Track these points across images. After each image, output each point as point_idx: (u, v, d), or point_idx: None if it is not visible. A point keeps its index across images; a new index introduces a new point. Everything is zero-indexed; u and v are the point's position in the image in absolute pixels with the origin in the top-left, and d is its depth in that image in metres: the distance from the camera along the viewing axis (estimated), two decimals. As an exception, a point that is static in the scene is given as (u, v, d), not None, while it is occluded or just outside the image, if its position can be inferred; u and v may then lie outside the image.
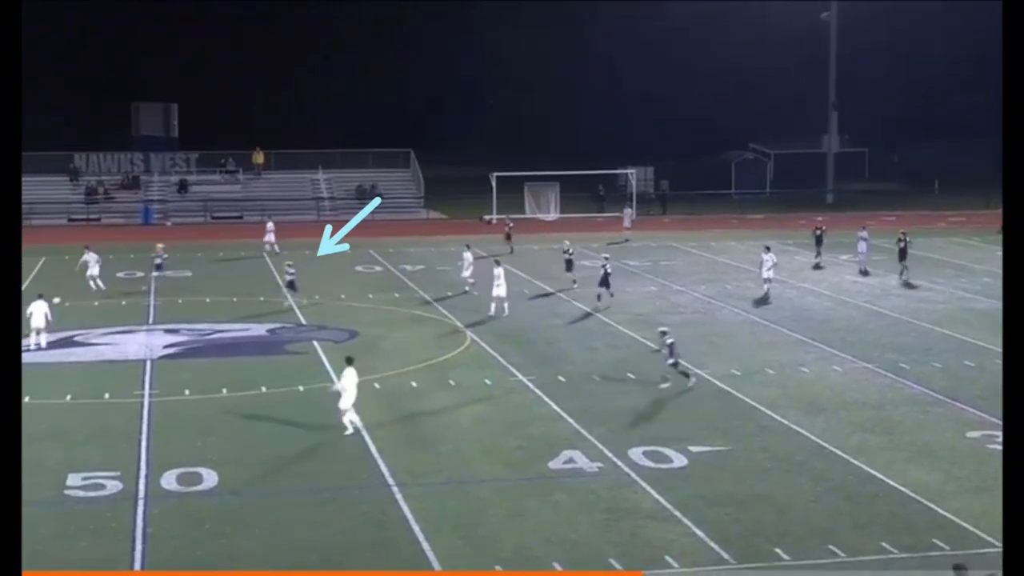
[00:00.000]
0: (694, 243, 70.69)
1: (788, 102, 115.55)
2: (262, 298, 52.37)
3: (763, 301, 50.50)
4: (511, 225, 69.00)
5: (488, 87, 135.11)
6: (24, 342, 40.07)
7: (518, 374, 38.29)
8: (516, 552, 23.82)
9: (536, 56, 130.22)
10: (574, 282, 53.72)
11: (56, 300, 43.18)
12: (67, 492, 27.44)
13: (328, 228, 73.43)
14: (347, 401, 31.35)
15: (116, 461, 29.35)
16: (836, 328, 45.73)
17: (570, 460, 29.58)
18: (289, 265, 52.05)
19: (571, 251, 55.23)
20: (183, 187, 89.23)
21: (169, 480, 28.09)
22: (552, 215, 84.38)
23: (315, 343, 43.30)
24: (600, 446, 30.52)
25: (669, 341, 36.16)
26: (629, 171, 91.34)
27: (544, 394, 35.79)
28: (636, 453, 29.91)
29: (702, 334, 44.70)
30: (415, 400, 35.47)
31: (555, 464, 29.31)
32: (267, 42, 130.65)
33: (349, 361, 32.10)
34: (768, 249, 52.80)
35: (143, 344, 43.37)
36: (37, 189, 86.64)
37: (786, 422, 32.83)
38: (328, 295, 52.41)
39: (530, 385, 36.92)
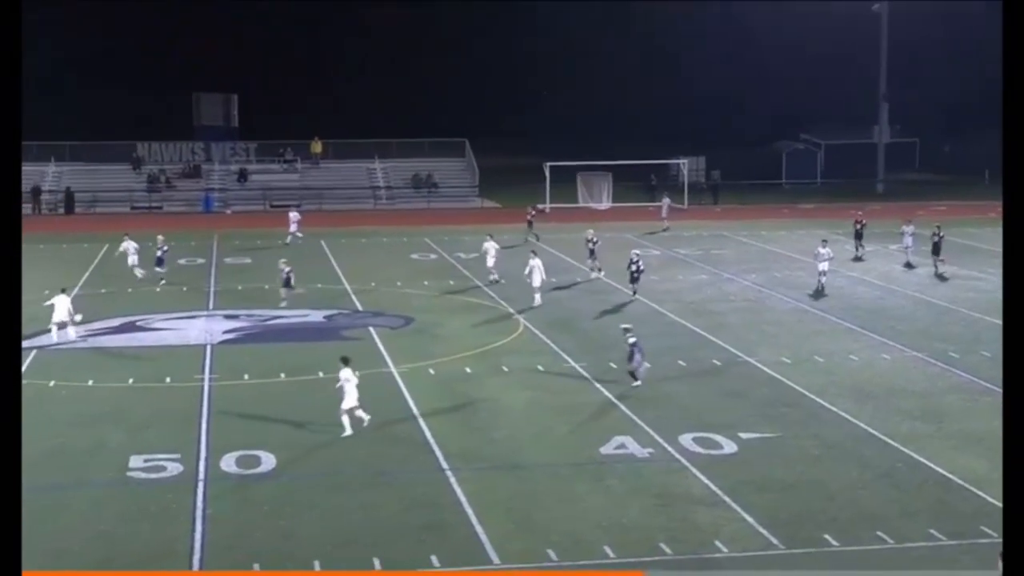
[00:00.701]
0: (745, 232, 70.41)
1: (839, 93, 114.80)
2: (320, 285, 52.51)
3: (819, 294, 49.73)
4: (533, 214, 68.36)
5: (543, 78, 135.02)
6: (49, 336, 40.37)
7: (570, 360, 38.27)
8: (567, 536, 23.82)
9: (590, 47, 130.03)
10: (594, 271, 53.57)
11: (78, 318, 42.45)
12: (129, 474, 27.66)
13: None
14: (350, 400, 30.25)
15: (177, 444, 29.56)
16: (885, 317, 45.47)
17: (621, 446, 29.57)
18: (284, 262, 48.74)
19: (595, 240, 54.67)
20: (243, 176, 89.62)
21: (228, 463, 28.25)
22: (604, 204, 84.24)
23: (371, 329, 43.44)
24: (651, 432, 30.49)
25: (632, 340, 35.05)
26: (681, 161, 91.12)
27: (595, 380, 35.77)
28: (686, 439, 29.86)
29: (752, 322, 44.59)
30: (469, 385, 35.52)
31: (606, 449, 29.31)
32: (325, 33, 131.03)
33: (345, 361, 30.97)
34: (825, 243, 52.19)
35: (203, 329, 43.65)
36: (101, 177, 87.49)
37: (835, 409, 32.68)
38: (384, 282, 52.54)
39: (582, 372, 36.90)
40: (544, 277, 47.62)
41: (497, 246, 53.20)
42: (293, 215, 67.43)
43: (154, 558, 22.84)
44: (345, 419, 30.06)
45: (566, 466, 28.31)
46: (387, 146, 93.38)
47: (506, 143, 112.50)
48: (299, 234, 65.94)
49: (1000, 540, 22.53)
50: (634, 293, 48.73)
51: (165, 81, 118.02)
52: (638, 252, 50.16)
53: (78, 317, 41.91)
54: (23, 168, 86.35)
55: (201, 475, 27.50)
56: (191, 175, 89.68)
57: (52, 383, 35.59)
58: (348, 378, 30.17)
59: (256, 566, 22.32)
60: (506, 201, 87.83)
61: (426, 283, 52.84)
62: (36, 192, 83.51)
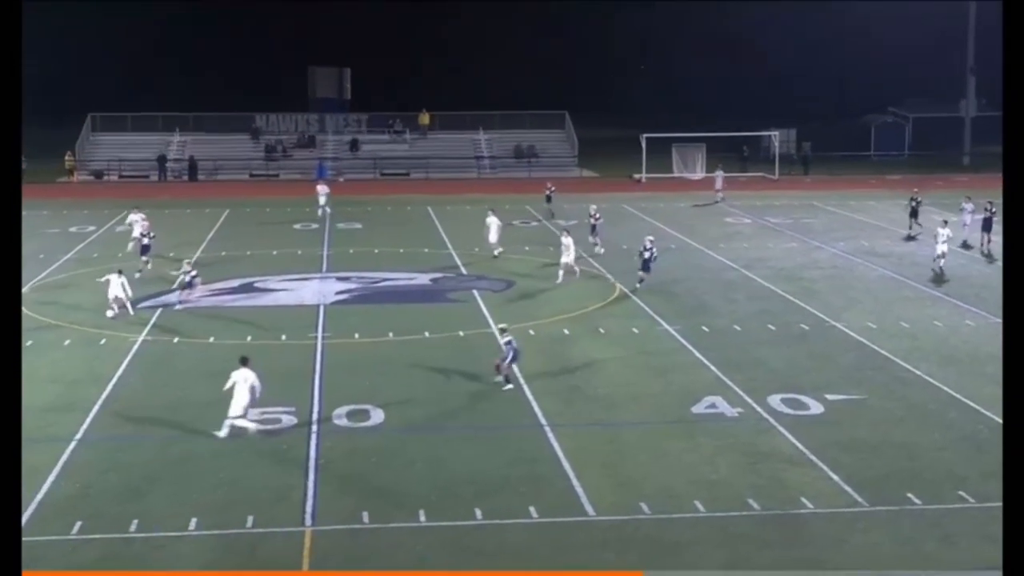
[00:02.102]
0: (834, 202, 69.60)
1: (927, 67, 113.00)
2: (426, 249, 52.76)
3: (939, 278, 46.11)
4: (552, 188, 65.14)
5: (641, 53, 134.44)
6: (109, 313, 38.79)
7: (664, 324, 38.13)
8: (660, 491, 23.79)
9: (686, 22, 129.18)
10: (595, 246, 51.01)
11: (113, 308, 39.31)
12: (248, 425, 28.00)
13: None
14: (237, 406, 26.95)
15: (292, 397, 29.83)
16: (970, 284, 44.78)
17: (712, 406, 29.46)
18: (188, 262, 43.12)
19: (598, 216, 52.54)
20: (355, 146, 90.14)
21: (340, 416, 28.52)
22: (698, 174, 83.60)
23: (475, 292, 43.54)
24: (741, 393, 30.34)
25: (506, 339, 31.52)
26: (772, 133, 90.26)
27: (688, 343, 35.63)
28: (775, 400, 29.68)
29: (839, 288, 44.13)
30: (567, 346, 35.52)
31: (698, 409, 29.22)
32: (433, 10, 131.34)
33: (243, 361, 27.59)
34: (946, 224, 49.65)
35: (317, 290, 44.01)
36: (222, 147, 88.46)
37: (919, 373, 32.29)
38: (487, 247, 52.58)
39: (675, 334, 36.76)
40: (573, 256, 45.26)
41: (499, 222, 51.34)
42: (321, 188, 63.89)
43: (270, 504, 23.13)
44: (242, 422, 27.01)
45: (659, 424, 28.27)
46: (491, 118, 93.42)
47: (604, 115, 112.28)
48: (327, 208, 62.45)
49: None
50: (640, 282, 43.14)
51: (282, 56, 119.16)
52: (651, 238, 44.94)
53: (112, 308, 39.06)
54: (151, 137, 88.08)
55: (314, 427, 27.78)
56: (306, 145, 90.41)
57: (176, 340, 36.11)
58: (245, 378, 27.03)
59: (365, 515, 22.53)
60: (604, 171, 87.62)
61: (527, 248, 52.81)
62: (162, 160, 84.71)
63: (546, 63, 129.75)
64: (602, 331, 37.27)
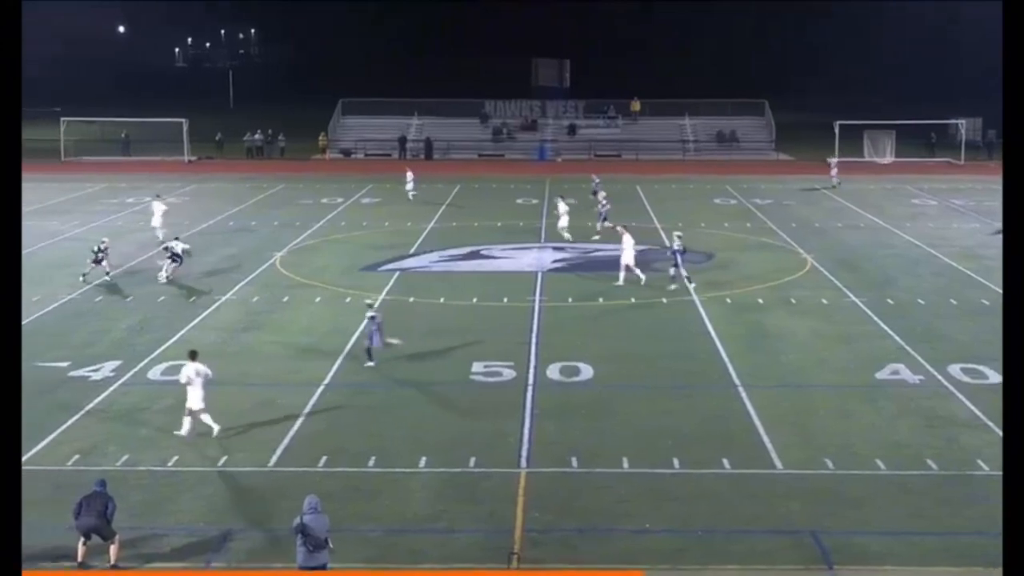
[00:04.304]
0: (1017, 186, 66.87)
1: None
2: (634, 223, 52.18)
3: None
4: (597, 181, 57.49)
5: (836, 45, 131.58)
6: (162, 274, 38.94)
7: (851, 295, 37.31)
8: (842, 449, 23.35)
9: (877, 15, 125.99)
10: (596, 234, 47.85)
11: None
12: (472, 377, 28.40)
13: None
14: (194, 399, 23.76)
15: (511, 353, 30.14)
16: None
17: (895, 372, 28.73)
18: (104, 242, 39.06)
19: (606, 203, 49.41)
20: (572, 130, 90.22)
21: (553, 371, 28.70)
22: (887, 159, 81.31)
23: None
24: (922, 361, 29.51)
25: (370, 315, 29.05)
26: (960, 121, 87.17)
27: (873, 314, 34.78)
28: (955, 369, 28.80)
29: (1020, 267, 42.48)
30: (760, 314, 35.06)
31: (881, 375, 28.54)
32: (646, 8, 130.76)
33: (192, 355, 24.29)
34: None
35: (535, 258, 44.27)
36: (454, 130, 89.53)
37: (1096, 348, 30.91)
38: (689, 223, 52.10)
39: (861, 305, 35.93)
40: (634, 256, 38.98)
41: (567, 207, 48.51)
42: (409, 174, 60.29)
43: (489, 447, 23.46)
44: (187, 420, 23.90)
45: (844, 387, 27.71)
46: (696, 106, 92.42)
47: (801, 103, 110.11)
48: (414, 191, 59.44)
49: None
50: (688, 280, 38.32)
51: (509, 48, 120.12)
52: (679, 234, 39.82)
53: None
54: (393, 120, 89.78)
55: (531, 381, 28.01)
56: (529, 128, 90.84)
57: (411, 299, 36.80)
58: (199, 372, 23.85)
59: (573, 460, 22.68)
60: (798, 154, 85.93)
61: (726, 224, 52.23)
62: (402, 141, 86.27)
63: (750, 54, 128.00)
64: (793, 301, 36.67)
